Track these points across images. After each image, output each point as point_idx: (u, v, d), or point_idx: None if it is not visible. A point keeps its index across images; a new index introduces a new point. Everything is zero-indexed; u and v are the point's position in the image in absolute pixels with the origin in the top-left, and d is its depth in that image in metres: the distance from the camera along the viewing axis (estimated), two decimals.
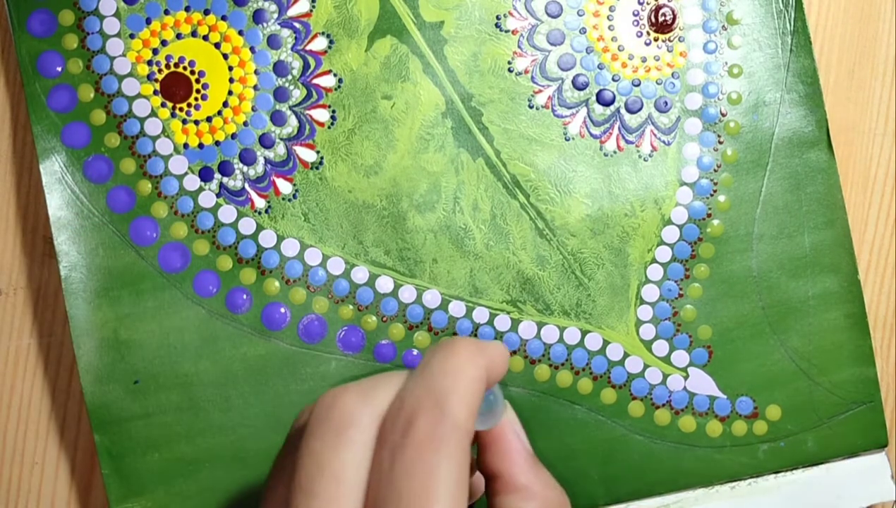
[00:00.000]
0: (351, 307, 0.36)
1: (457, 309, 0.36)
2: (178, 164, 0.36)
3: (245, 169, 0.36)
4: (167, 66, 0.36)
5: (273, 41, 0.36)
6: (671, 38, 0.36)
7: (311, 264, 0.36)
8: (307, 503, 0.24)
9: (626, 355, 0.36)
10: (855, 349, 0.36)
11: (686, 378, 0.36)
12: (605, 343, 0.36)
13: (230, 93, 0.36)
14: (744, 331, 0.36)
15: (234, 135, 0.36)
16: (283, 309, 0.36)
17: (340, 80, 0.36)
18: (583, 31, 0.36)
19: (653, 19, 0.36)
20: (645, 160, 0.36)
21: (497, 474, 0.28)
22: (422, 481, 0.23)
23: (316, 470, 0.24)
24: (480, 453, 0.29)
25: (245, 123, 0.36)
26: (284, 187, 0.36)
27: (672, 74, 0.36)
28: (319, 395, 0.35)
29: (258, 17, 0.36)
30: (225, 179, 0.36)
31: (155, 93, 0.36)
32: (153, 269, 0.36)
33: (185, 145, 0.36)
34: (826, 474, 0.36)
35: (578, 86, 0.36)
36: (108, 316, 0.35)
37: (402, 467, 0.23)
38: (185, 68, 0.36)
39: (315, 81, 0.36)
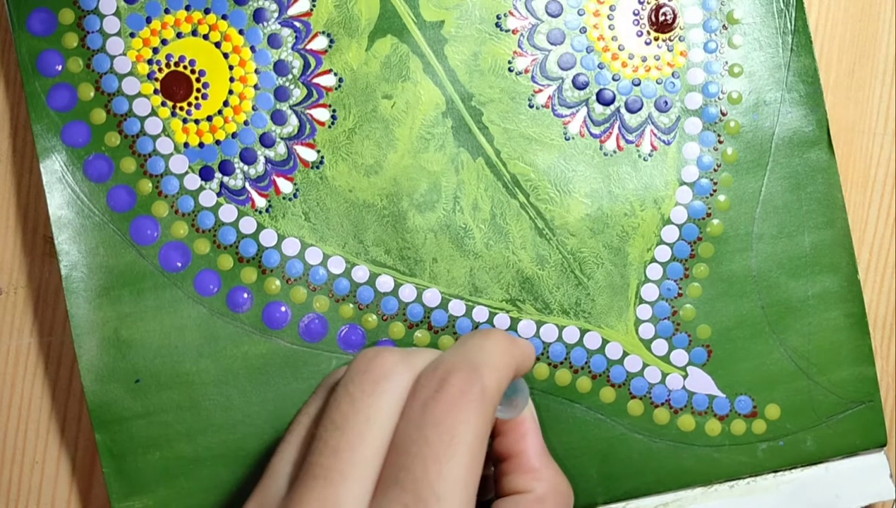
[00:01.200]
0: (351, 306, 0.36)
1: (457, 307, 0.36)
2: (179, 163, 0.36)
3: (246, 168, 0.36)
4: (167, 65, 0.36)
5: (273, 40, 0.36)
6: (671, 38, 0.36)
7: (312, 263, 0.36)
8: (336, 436, 0.25)
9: (625, 354, 0.36)
10: (854, 348, 0.36)
11: (685, 377, 0.36)
12: (605, 342, 0.36)
13: (230, 92, 0.36)
14: (743, 331, 0.36)
15: (234, 135, 0.36)
16: (283, 308, 0.36)
17: (341, 80, 0.36)
18: (583, 30, 0.36)
19: (653, 19, 0.36)
20: (645, 159, 0.36)
21: (511, 454, 0.30)
22: (448, 430, 0.25)
23: (350, 409, 0.26)
24: (497, 437, 0.30)
25: (245, 122, 0.36)
26: (285, 186, 0.36)
27: (672, 74, 0.36)
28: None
29: (258, 16, 0.36)
30: (225, 178, 0.36)
31: (155, 92, 0.36)
32: (154, 268, 0.36)
33: (186, 144, 0.36)
34: (825, 473, 0.36)
35: (578, 85, 0.36)
36: (109, 316, 0.36)
37: (431, 416, 0.25)
38: (185, 67, 0.36)
39: (315, 81, 0.36)
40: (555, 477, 0.30)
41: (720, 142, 0.36)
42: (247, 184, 0.36)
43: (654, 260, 0.36)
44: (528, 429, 0.30)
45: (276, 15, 0.36)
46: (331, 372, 0.30)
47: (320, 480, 0.25)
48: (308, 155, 0.36)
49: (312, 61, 0.36)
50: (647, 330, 0.36)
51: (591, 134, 0.36)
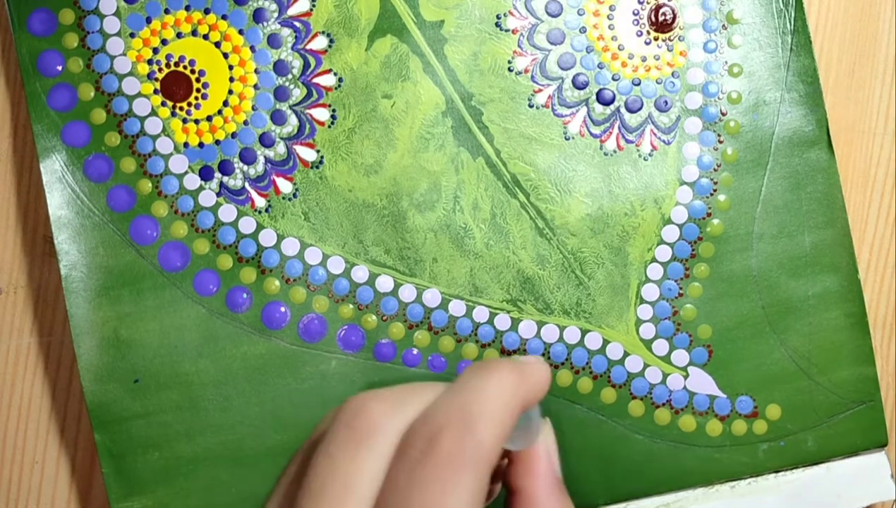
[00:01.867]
0: (351, 306, 0.36)
1: (457, 308, 0.36)
2: (179, 163, 0.36)
3: (245, 168, 0.36)
4: (167, 65, 0.36)
5: (273, 40, 0.36)
6: (671, 38, 0.36)
7: (311, 263, 0.36)
8: (313, 503, 0.23)
9: (626, 354, 0.36)
10: (855, 348, 0.36)
11: (686, 377, 0.36)
12: (605, 342, 0.36)
13: (230, 92, 0.36)
14: (744, 331, 0.36)
15: (234, 135, 0.36)
16: (283, 309, 0.36)
17: (341, 80, 0.36)
18: (583, 30, 0.36)
19: (653, 19, 0.36)
20: (645, 159, 0.36)
21: (519, 490, 0.27)
22: (436, 500, 0.22)
23: (328, 475, 0.23)
24: (509, 464, 0.28)
25: (245, 122, 0.36)
26: (284, 186, 0.36)
27: (672, 74, 0.36)
28: (318, 394, 0.36)
29: (258, 16, 0.36)
30: (225, 178, 0.36)
31: (155, 92, 0.36)
32: (153, 268, 0.36)
33: (186, 144, 0.36)
34: (826, 473, 0.36)
35: (578, 85, 0.36)
36: (109, 315, 0.36)
37: (417, 484, 0.23)
38: (185, 67, 0.36)
39: (315, 80, 0.36)
40: None
41: (720, 141, 0.36)
42: (246, 184, 0.36)
43: (654, 259, 0.36)
44: (538, 464, 0.27)
45: (275, 15, 0.36)
46: (315, 427, 0.27)
47: None
48: (308, 155, 0.36)
49: (312, 61, 0.36)
50: (647, 331, 0.36)
51: (592, 133, 0.36)
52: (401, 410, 0.24)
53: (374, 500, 0.23)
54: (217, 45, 0.36)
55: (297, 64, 0.36)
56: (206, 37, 0.36)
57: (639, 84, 0.36)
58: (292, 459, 0.26)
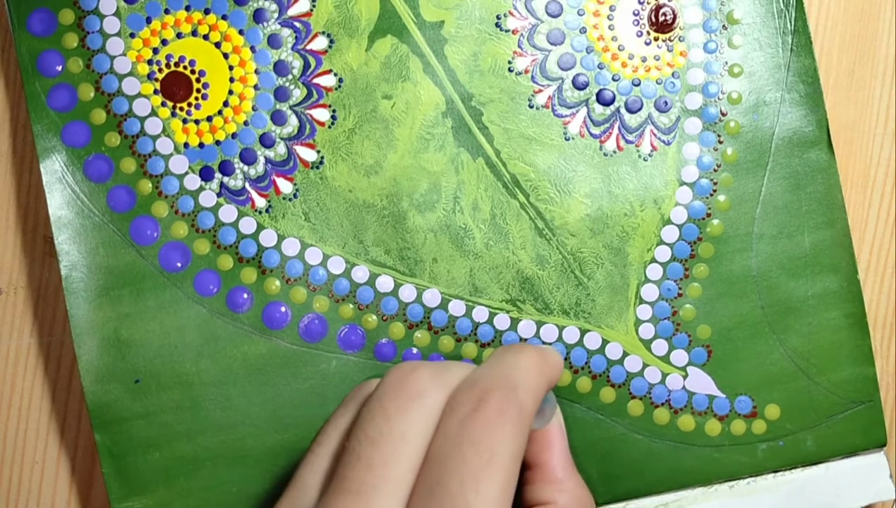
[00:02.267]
0: (351, 306, 0.36)
1: (457, 308, 0.36)
2: (179, 164, 0.36)
3: (245, 168, 0.36)
4: (167, 66, 0.36)
5: (273, 40, 0.36)
6: (671, 38, 0.36)
7: (312, 263, 0.36)
8: (370, 450, 0.25)
9: (625, 354, 0.36)
10: (854, 348, 0.36)
11: (685, 377, 0.36)
12: (605, 342, 0.36)
13: (230, 92, 0.36)
14: (743, 331, 0.36)
15: (234, 135, 0.36)
16: (283, 309, 0.36)
17: (341, 80, 0.36)
18: (583, 30, 0.36)
19: (653, 19, 0.36)
20: (645, 160, 0.36)
21: (536, 464, 0.30)
22: (487, 448, 0.25)
23: (384, 424, 0.26)
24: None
25: (245, 123, 0.36)
26: (285, 186, 0.36)
27: (672, 74, 0.36)
28: (319, 394, 0.36)
29: (258, 16, 0.36)
30: (225, 179, 0.36)
31: (155, 92, 0.36)
32: (154, 268, 0.36)
33: (186, 144, 0.36)
34: (825, 473, 0.36)
35: (578, 85, 0.36)
36: (109, 316, 0.36)
37: (469, 434, 0.25)
38: (185, 68, 0.36)
39: (315, 81, 0.36)
40: (577, 489, 0.30)
41: (720, 142, 0.36)
42: (247, 185, 0.36)
43: (654, 260, 0.36)
44: (553, 439, 0.30)
45: (276, 15, 0.36)
46: (360, 384, 0.30)
47: (353, 494, 0.25)
48: (308, 155, 0.36)
49: (312, 61, 0.36)
50: (647, 331, 0.36)
51: (591, 134, 0.36)
52: (444, 376, 0.27)
53: (424, 451, 0.26)
54: (217, 45, 0.36)
55: (297, 64, 0.36)
56: (206, 37, 0.36)
57: (639, 84, 0.36)
58: (337, 413, 0.29)
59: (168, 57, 0.36)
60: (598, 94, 0.36)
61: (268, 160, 0.36)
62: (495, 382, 0.26)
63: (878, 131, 0.38)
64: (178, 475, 0.36)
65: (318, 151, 0.36)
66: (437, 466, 0.25)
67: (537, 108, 0.36)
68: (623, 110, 0.36)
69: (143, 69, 0.36)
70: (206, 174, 0.36)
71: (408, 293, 0.36)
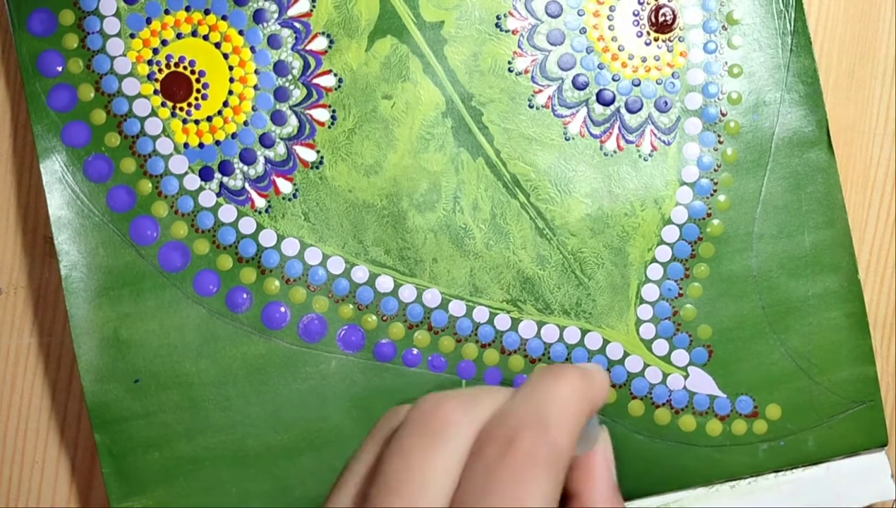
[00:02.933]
0: (351, 306, 0.36)
1: (457, 308, 0.36)
2: (179, 164, 0.36)
3: (245, 168, 0.36)
4: (167, 66, 0.36)
5: (273, 41, 0.36)
6: (671, 38, 0.36)
7: (312, 263, 0.36)
8: (389, 500, 0.23)
9: (626, 354, 0.36)
10: (855, 348, 0.36)
11: (686, 377, 0.36)
12: (605, 342, 0.36)
13: (230, 92, 0.36)
14: (744, 331, 0.36)
15: (234, 135, 0.36)
16: (283, 309, 0.36)
17: (341, 80, 0.36)
18: (583, 30, 0.36)
19: (653, 19, 0.36)
20: (645, 160, 0.36)
21: (576, 493, 0.28)
22: (516, 499, 0.23)
23: (404, 469, 0.24)
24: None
25: (245, 123, 0.36)
26: (285, 187, 0.36)
27: (672, 74, 0.36)
28: (318, 394, 0.36)
29: (258, 16, 0.36)
30: (225, 179, 0.36)
31: (155, 92, 0.36)
32: (153, 268, 0.36)
33: (186, 145, 0.36)
34: (826, 473, 0.36)
35: (578, 85, 0.36)
36: (109, 316, 0.36)
37: (497, 482, 0.23)
38: (185, 68, 0.36)
39: (315, 81, 0.36)
40: None
41: (720, 142, 0.36)
42: (246, 185, 0.36)
43: (654, 260, 0.36)
44: (596, 467, 0.28)
45: (275, 15, 0.36)
46: (386, 414, 0.28)
47: None
48: (308, 155, 0.36)
49: (312, 62, 0.36)
50: (647, 331, 0.36)
51: (592, 134, 0.36)
52: (473, 409, 0.25)
53: (450, 498, 0.24)
54: (217, 45, 0.36)
55: (297, 64, 0.36)
56: (206, 37, 0.36)
57: (639, 84, 0.36)
58: (356, 457, 0.27)
59: (168, 57, 0.36)
60: (598, 94, 0.36)
61: (267, 160, 0.36)
62: (526, 420, 0.24)
63: (878, 131, 0.38)
64: (178, 475, 0.36)
65: (318, 151, 0.36)
66: None
67: (537, 108, 0.36)
68: (623, 110, 0.36)
69: (143, 69, 0.36)
70: (205, 174, 0.36)
71: (408, 293, 0.36)
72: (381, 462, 0.24)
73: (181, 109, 0.36)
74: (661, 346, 0.36)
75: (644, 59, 0.36)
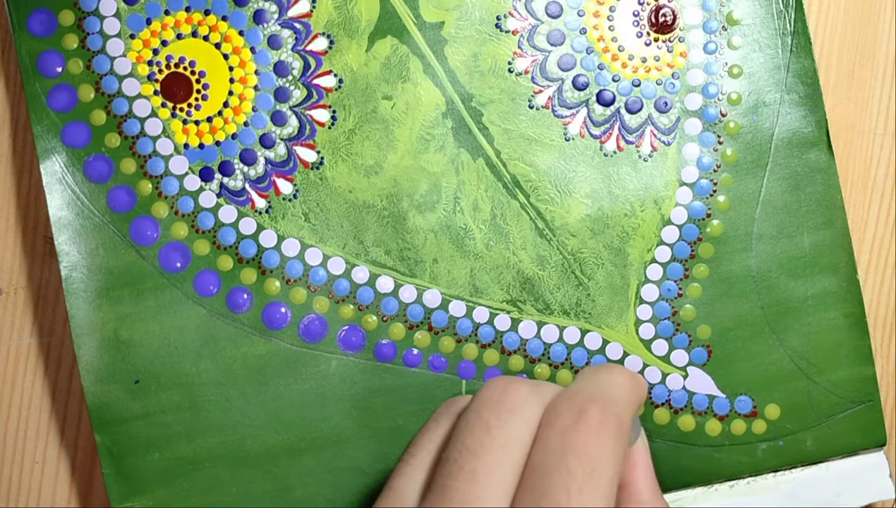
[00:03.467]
0: (351, 306, 0.36)
1: (457, 308, 0.36)
2: (179, 164, 0.36)
3: (245, 169, 0.36)
4: (167, 66, 0.36)
5: (273, 41, 0.36)
6: (671, 39, 0.36)
7: (312, 264, 0.36)
8: (472, 460, 0.25)
9: (625, 354, 0.36)
10: (854, 348, 0.36)
11: (685, 377, 0.36)
12: (605, 342, 0.36)
13: (230, 93, 0.36)
14: (743, 331, 0.36)
15: (234, 135, 0.36)
16: (283, 309, 0.36)
17: (341, 81, 0.36)
18: (583, 31, 0.36)
19: (653, 20, 0.36)
20: (645, 160, 0.36)
21: (622, 484, 0.30)
22: (590, 460, 0.25)
23: (485, 435, 0.26)
24: None
25: (245, 123, 0.36)
26: (285, 187, 0.36)
27: (672, 75, 0.36)
28: (319, 395, 0.36)
29: (258, 17, 0.36)
30: (225, 179, 0.36)
31: (155, 93, 0.36)
32: (154, 269, 0.36)
33: (186, 145, 0.36)
34: (825, 473, 0.36)
35: (578, 86, 0.36)
36: (109, 316, 0.36)
37: (572, 445, 0.25)
38: (185, 68, 0.36)
39: (315, 81, 0.36)
40: None
41: (720, 142, 0.36)
42: (246, 185, 0.36)
43: (654, 260, 0.36)
44: (639, 459, 0.30)
45: (276, 16, 0.36)
46: (448, 400, 0.30)
47: (457, 504, 0.25)
48: (308, 155, 0.36)
49: (312, 62, 0.36)
50: (647, 331, 0.36)
51: (592, 134, 0.36)
52: (540, 391, 0.27)
53: (525, 459, 0.26)
54: (217, 46, 0.36)
55: (297, 65, 0.36)
56: (206, 38, 0.36)
57: (639, 85, 0.36)
58: (429, 426, 0.29)
59: (168, 57, 0.36)
60: (598, 95, 0.36)
61: (268, 160, 0.36)
62: (595, 395, 0.26)
63: (878, 131, 0.38)
64: (178, 475, 0.36)
65: (318, 152, 0.36)
66: (540, 477, 0.25)
67: (537, 109, 0.36)
68: (623, 111, 0.36)
69: (144, 70, 0.36)
70: (205, 174, 0.36)
71: (408, 293, 0.36)
72: (458, 431, 0.27)
73: (181, 110, 0.36)
74: (660, 346, 0.36)
75: (644, 60, 0.36)
